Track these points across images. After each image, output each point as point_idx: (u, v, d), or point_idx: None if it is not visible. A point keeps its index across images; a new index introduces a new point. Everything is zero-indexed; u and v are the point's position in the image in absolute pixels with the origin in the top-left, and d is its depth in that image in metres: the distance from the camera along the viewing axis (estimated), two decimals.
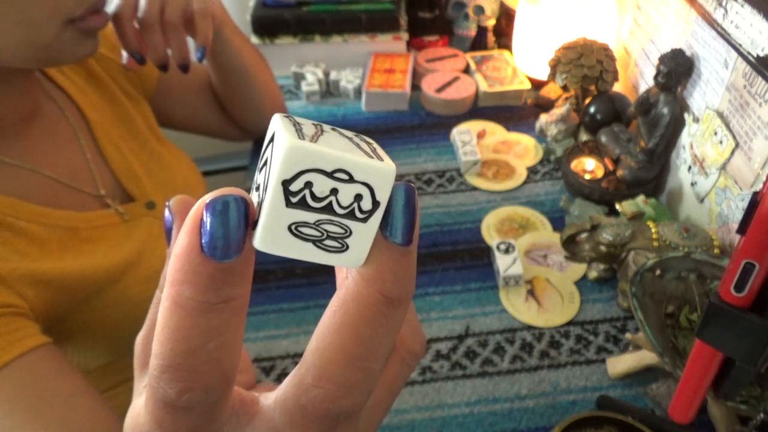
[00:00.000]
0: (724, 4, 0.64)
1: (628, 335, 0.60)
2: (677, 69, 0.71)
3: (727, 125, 0.65)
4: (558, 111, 0.89)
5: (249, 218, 0.15)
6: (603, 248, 0.65)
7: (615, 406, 0.55)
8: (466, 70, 1.05)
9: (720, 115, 0.67)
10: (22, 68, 0.52)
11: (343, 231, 0.15)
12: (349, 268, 0.15)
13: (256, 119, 0.85)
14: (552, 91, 0.99)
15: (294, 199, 0.14)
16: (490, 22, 1.09)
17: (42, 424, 0.46)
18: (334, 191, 0.14)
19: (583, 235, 0.67)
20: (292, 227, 0.14)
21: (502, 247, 0.72)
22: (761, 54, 0.58)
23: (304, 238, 0.15)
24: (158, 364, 0.15)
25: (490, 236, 0.77)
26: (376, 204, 0.15)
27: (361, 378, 0.16)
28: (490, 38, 1.11)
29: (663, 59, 0.73)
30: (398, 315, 0.16)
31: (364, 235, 0.15)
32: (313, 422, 0.16)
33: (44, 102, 0.59)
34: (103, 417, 0.48)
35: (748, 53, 0.60)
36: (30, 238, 0.52)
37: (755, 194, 0.34)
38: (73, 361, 0.55)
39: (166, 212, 0.19)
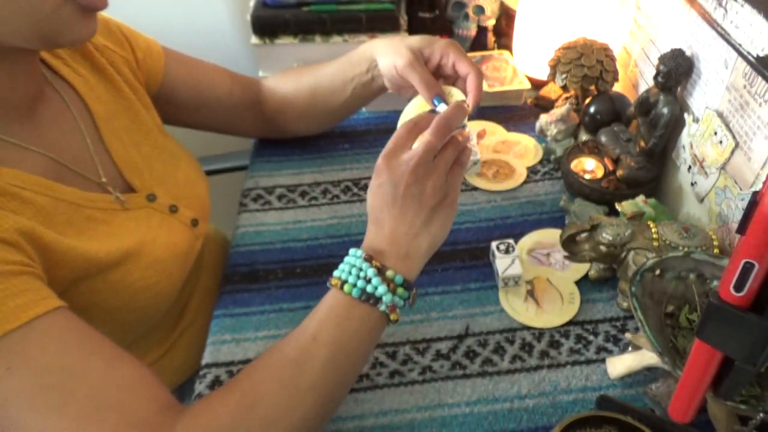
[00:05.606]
0: (724, 4, 0.64)
1: (628, 335, 0.60)
2: (677, 69, 0.71)
3: (727, 125, 0.65)
4: (558, 111, 0.89)
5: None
6: (603, 248, 0.65)
7: (615, 405, 0.55)
8: None
9: (720, 115, 0.67)
10: (24, 49, 0.51)
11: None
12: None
13: (313, 128, 0.91)
14: (552, 91, 0.99)
15: None
16: (490, 22, 1.09)
17: (101, 358, 0.46)
18: None
19: (583, 235, 0.67)
20: None
21: (502, 247, 0.71)
22: (761, 54, 0.58)
23: None
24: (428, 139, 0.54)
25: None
26: None
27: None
28: (490, 38, 1.11)
29: (663, 59, 0.73)
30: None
31: None
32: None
33: (48, 92, 0.59)
34: (145, 370, 0.49)
35: (748, 53, 0.60)
36: (36, 209, 0.52)
37: (755, 194, 0.34)
38: None
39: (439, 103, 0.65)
